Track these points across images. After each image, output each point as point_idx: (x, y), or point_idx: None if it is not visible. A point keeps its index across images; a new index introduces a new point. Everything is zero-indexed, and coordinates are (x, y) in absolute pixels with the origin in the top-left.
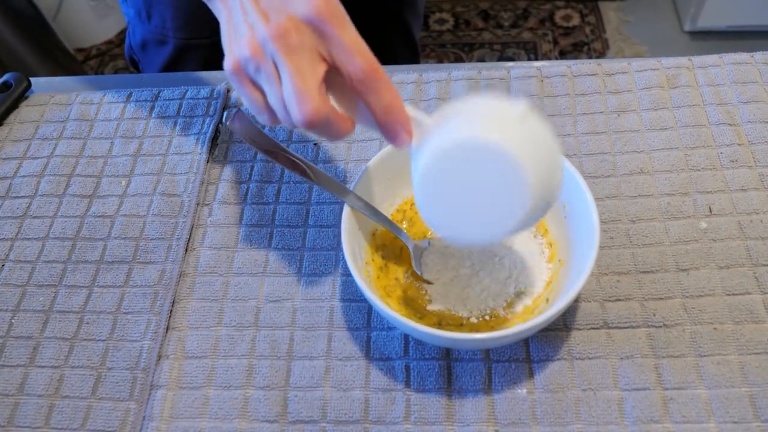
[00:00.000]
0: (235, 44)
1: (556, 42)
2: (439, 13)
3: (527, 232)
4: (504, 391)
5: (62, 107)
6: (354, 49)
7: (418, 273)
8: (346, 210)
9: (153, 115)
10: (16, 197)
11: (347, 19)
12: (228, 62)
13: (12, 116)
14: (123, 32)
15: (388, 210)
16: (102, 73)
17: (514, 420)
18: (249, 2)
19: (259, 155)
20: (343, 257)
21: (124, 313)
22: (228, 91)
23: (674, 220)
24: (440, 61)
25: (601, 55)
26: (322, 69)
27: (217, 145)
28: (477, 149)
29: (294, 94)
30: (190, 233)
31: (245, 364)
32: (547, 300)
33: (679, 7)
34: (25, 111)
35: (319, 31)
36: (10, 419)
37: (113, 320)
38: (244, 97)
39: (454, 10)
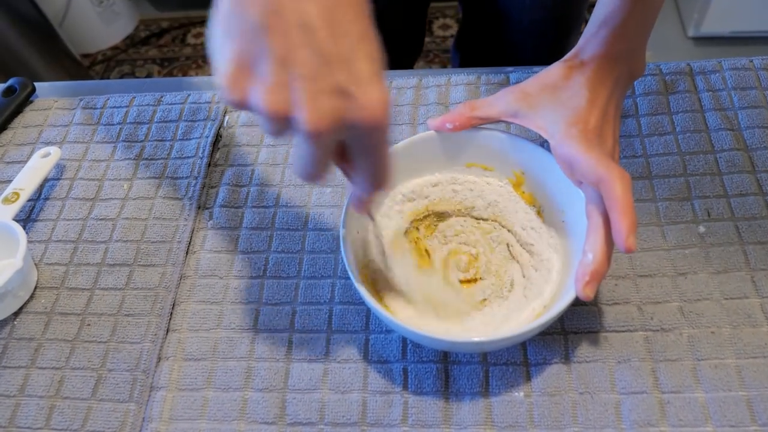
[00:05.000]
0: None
1: None
2: (443, 19)
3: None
4: (501, 394)
5: (66, 112)
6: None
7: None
8: (345, 213)
9: (155, 120)
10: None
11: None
12: (312, 118)
13: (16, 120)
14: (128, 38)
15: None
16: (107, 78)
17: (511, 423)
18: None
19: (260, 158)
20: (342, 260)
21: (125, 315)
22: None
23: (672, 224)
24: (444, 67)
25: None
26: None
27: (219, 149)
28: None
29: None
30: (191, 236)
31: (244, 367)
32: (545, 306)
33: (683, 13)
34: (29, 115)
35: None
36: (12, 420)
37: (114, 322)
38: (319, 164)
39: (459, 15)
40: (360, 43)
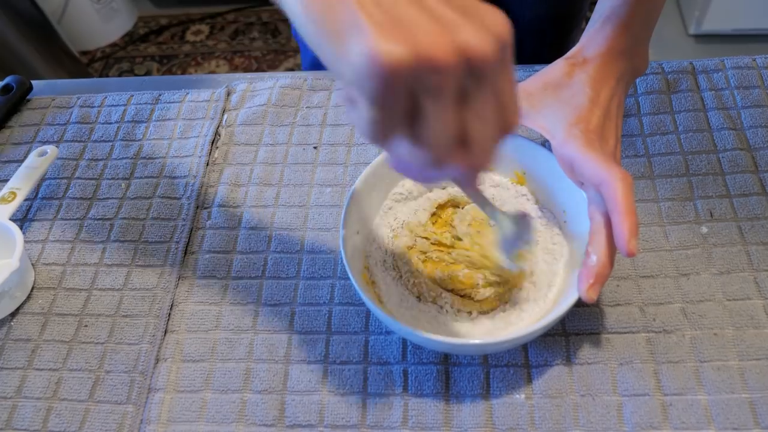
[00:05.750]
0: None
1: None
2: None
3: None
4: (502, 396)
5: (63, 110)
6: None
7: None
8: (345, 213)
9: (153, 118)
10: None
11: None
12: (378, 56)
13: (13, 119)
14: (127, 35)
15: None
16: (106, 76)
17: (512, 425)
18: None
19: (259, 157)
20: (342, 261)
21: (123, 316)
22: (228, 94)
23: (675, 224)
24: None
25: None
26: None
27: (217, 148)
28: None
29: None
30: (190, 236)
31: (243, 368)
32: (546, 308)
33: (684, 11)
34: (26, 114)
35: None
36: (8, 422)
37: (112, 323)
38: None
39: None
40: None
